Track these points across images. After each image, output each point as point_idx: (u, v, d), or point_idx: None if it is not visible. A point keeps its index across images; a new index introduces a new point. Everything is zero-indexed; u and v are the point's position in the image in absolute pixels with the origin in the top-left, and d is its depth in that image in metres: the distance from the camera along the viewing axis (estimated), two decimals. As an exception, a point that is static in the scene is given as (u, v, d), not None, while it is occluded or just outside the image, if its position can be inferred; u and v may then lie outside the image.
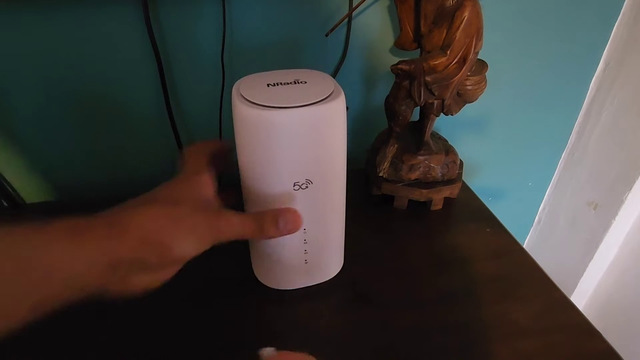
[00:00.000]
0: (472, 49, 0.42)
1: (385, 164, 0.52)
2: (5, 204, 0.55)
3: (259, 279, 0.42)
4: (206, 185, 0.30)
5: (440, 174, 0.52)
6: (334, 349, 0.37)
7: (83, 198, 0.59)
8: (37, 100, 0.51)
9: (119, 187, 0.60)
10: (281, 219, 0.30)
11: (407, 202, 0.53)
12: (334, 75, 0.57)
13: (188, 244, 0.26)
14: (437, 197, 0.53)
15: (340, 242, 0.42)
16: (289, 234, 0.31)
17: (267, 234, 0.30)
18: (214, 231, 0.28)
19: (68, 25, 0.47)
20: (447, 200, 0.54)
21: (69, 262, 0.23)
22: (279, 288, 0.41)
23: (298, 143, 0.31)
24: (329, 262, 0.42)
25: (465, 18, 0.40)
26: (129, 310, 0.39)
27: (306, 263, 0.39)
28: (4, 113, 0.51)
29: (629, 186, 0.64)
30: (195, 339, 0.37)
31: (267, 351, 0.25)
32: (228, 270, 0.44)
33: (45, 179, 0.58)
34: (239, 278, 0.43)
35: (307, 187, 0.33)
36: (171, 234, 0.26)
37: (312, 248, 0.38)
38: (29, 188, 0.58)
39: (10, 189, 0.55)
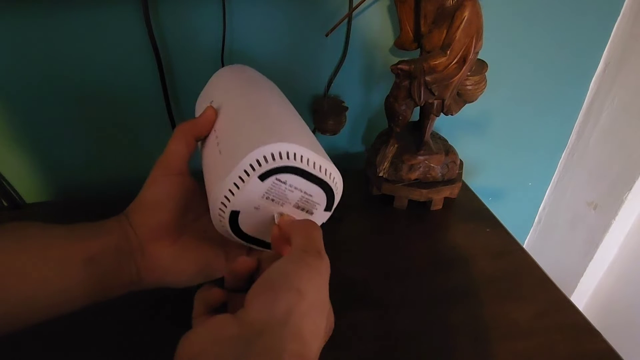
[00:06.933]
0: (472, 49, 0.42)
1: (385, 164, 0.52)
2: (5, 204, 0.55)
3: None
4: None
5: (440, 174, 0.52)
6: (333, 349, 0.37)
7: (83, 198, 0.59)
8: (37, 100, 0.51)
9: (119, 187, 0.60)
10: None
11: (407, 202, 0.53)
12: (333, 75, 0.57)
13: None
14: (437, 197, 0.53)
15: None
16: None
17: None
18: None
19: (68, 25, 0.47)
20: (447, 200, 0.54)
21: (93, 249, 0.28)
22: None
23: None
24: None
25: (465, 18, 0.40)
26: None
27: None
28: (4, 113, 0.51)
29: (629, 186, 0.64)
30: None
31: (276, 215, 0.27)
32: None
33: (45, 179, 0.58)
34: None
35: None
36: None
37: None
38: (29, 188, 0.58)
39: (10, 189, 0.55)
